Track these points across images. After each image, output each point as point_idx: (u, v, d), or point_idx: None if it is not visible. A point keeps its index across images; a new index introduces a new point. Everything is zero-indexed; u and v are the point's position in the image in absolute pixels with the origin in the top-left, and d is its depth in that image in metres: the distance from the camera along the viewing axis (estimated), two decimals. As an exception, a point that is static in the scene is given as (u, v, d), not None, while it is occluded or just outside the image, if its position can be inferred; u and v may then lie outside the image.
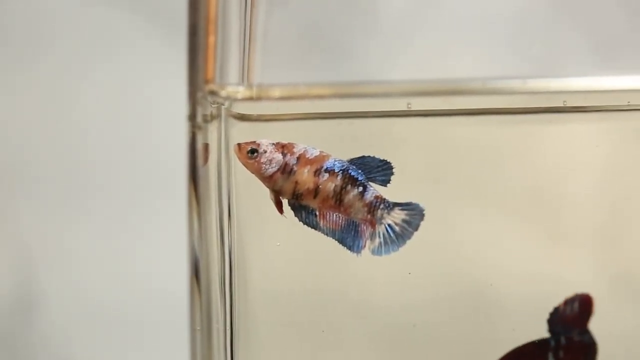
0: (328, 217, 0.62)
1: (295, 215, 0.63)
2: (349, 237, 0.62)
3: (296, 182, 0.62)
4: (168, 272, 0.88)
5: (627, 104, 0.66)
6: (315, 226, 0.63)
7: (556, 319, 0.67)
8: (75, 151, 0.97)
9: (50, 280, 0.97)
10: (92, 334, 0.97)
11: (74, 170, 0.97)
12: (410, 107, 0.65)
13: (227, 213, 0.66)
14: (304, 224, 0.63)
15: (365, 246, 0.63)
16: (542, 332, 0.68)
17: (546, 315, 0.68)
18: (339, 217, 0.62)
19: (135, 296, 0.96)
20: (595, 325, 0.68)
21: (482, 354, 0.69)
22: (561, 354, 0.67)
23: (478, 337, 0.69)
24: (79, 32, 0.94)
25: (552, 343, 0.67)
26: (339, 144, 0.66)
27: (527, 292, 0.68)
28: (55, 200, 0.97)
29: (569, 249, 0.69)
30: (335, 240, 0.63)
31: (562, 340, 0.67)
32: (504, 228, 0.68)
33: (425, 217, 0.64)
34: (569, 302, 0.67)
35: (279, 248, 0.67)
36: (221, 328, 0.66)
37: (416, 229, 0.62)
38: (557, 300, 0.68)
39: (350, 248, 0.63)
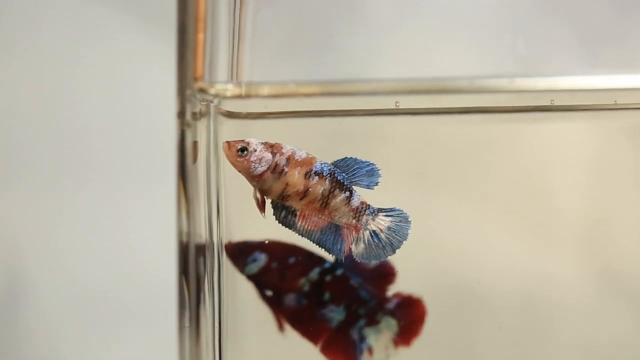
0: (309, 218, 0.62)
1: (274, 214, 0.62)
2: (328, 240, 0.62)
3: (287, 184, 0.61)
4: (157, 261, 0.88)
5: (613, 103, 0.66)
6: (291, 226, 0.62)
7: None
8: (65, 141, 0.97)
9: (38, 269, 0.97)
10: (79, 324, 0.96)
11: (64, 158, 0.96)
12: (398, 106, 0.65)
13: (216, 210, 0.67)
14: (279, 222, 0.62)
15: (348, 251, 0.62)
16: (527, 328, 0.69)
17: (532, 311, 0.68)
18: (321, 219, 0.62)
19: (124, 285, 0.96)
20: (581, 321, 0.69)
21: (469, 350, 0.69)
22: None
23: (465, 333, 0.69)
24: (70, 26, 0.94)
25: None
26: (327, 142, 0.66)
27: (514, 289, 0.69)
28: (44, 187, 0.96)
29: (556, 246, 0.69)
30: (312, 242, 0.62)
31: None
32: (491, 225, 0.69)
33: (413, 214, 0.63)
34: None
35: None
36: (209, 325, 0.66)
37: (405, 238, 0.62)
38: (543, 296, 0.68)
39: (329, 251, 0.62)
